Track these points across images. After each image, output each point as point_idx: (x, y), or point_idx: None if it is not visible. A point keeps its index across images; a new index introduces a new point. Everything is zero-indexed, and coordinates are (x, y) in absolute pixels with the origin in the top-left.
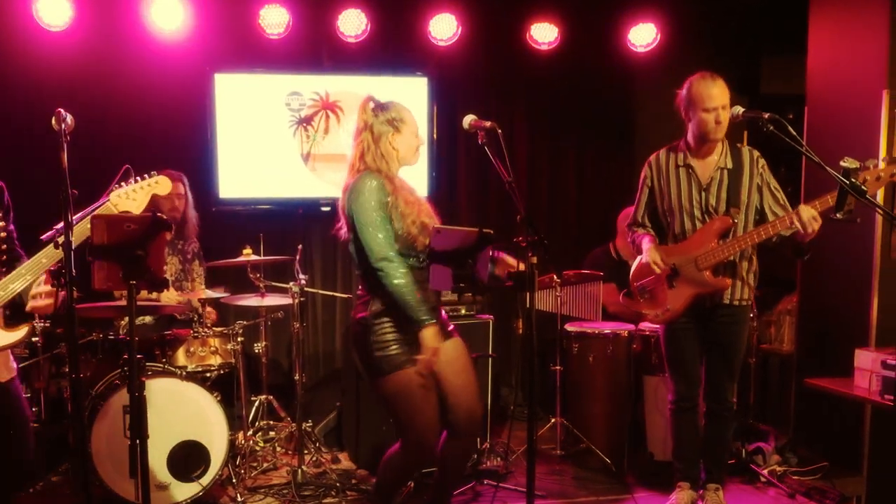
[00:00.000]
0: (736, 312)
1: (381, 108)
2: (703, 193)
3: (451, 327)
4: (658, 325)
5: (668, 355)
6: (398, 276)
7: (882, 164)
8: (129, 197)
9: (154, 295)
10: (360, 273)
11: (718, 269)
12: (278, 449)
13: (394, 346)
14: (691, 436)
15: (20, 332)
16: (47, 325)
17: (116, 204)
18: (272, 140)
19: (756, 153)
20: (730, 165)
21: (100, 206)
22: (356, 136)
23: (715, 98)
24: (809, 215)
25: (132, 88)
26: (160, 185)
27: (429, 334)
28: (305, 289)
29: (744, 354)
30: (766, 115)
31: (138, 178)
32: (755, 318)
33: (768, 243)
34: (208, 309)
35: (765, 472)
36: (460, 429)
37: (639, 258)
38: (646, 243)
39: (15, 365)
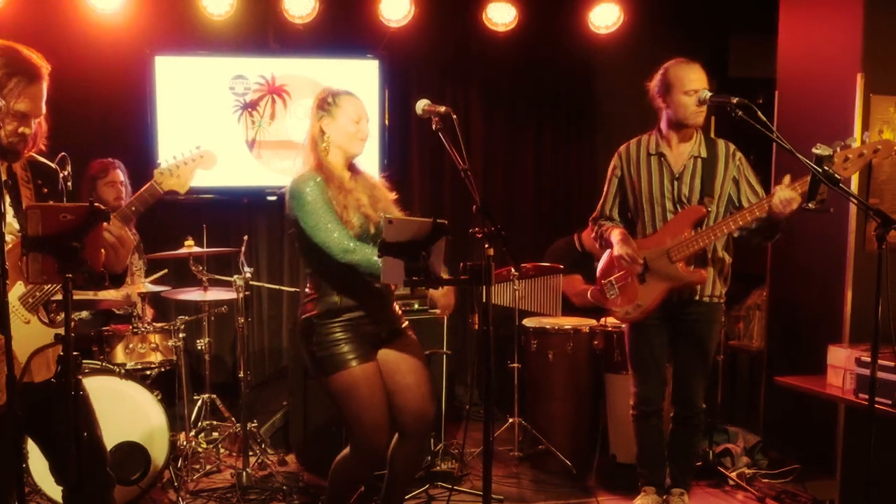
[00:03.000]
0: (708, 311)
1: (326, 97)
2: (676, 183)
3: (405, 323)
4: (625, 323)
5: (632, 354)
6: (369, 258)
7: (862, 142)
8: (174, 174)
9: None
10: (309, 272)
11: (692, 262)
12: (222, 450)
13: (339, 346)
14: (655, 441)
15: (60, 329)
16: None
17: (161, 182)
18: (215, 126)
19: (732, 147)
20: (704, 154)
21: (147, 188)
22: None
23: (695, 81)
24: (786, 196)
25: (68, 72)
26: (205, 159)
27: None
28: (250, 282)
29: (714, 355)
30: (735, 100)
31: (181, 153)
32: (724, 312)
33: (744, 231)
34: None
35: (733, 474)
36: (408, 430)
37: (607, 252)
38: (615, 236)
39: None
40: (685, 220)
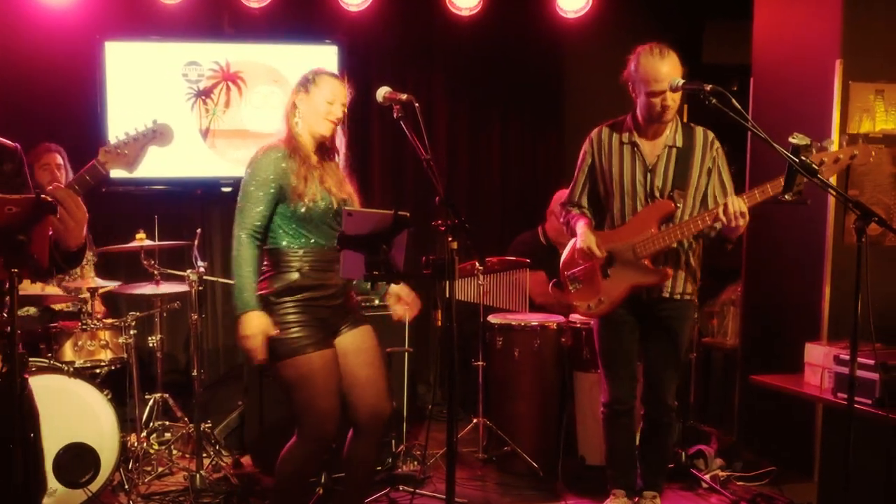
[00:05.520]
0: (678, 308)
1: (309, 74)
2: (649, 174)
3: (363, 315)
4: (590, 318)
5: (602, 352)
6: (237, 253)
7: (840, 145)
8: (121, 152)
9: (38, 284)
10: (266, 247)
11: (659, 258)
12: (174, 452)
13: (294, 329)
14: (626, 442)
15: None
16: None
17: (105, 162)
18: (168, 114)
19: (711, 135)
20: (679, 144)
21: (88, 167)
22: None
23: (663, 79)
24: (735, 209)
25: (13, 57)
26: (159, 135)
27: (245, 322)
28: (204, 277)
29: (686, 354)
30: (708, 87)
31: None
32: (696, 310)
33: (705, 236)
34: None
35: (706, 477)
36: (362, 427)
37: (571, 243)
38: (580, 227)
39: None
40: (652, 216)
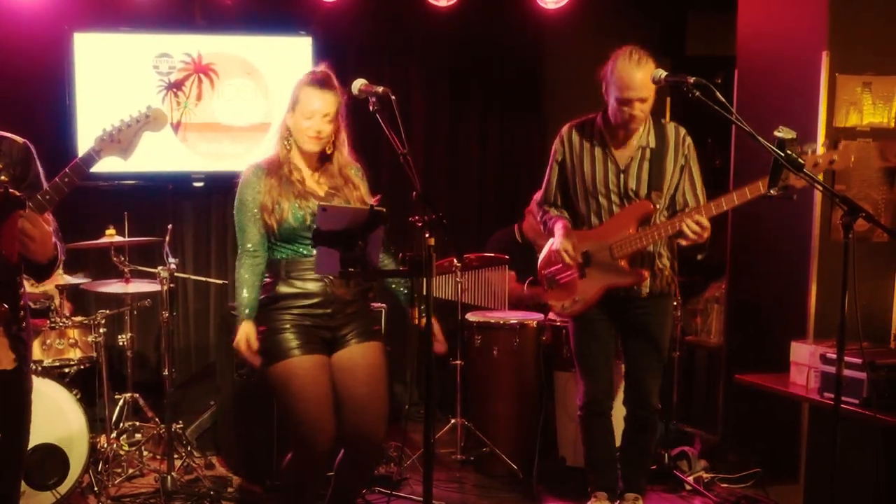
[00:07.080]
0: (656, 303)
1: (295, 90)
2: (622, 175)
3: (377, 327)
4: (563, 317)
5: (577, 353)
6: (236, 275)
7: (820, 150)
8: (115, 139)
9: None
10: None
11: (636, 259)
12: (145, 453)
13: (282, 334)
14: (604, 443)
15: None
16: None
17: (100, 150)
18: (138, 107)
19: (683, 131)
20: (653, 144)
21: (84, 156)
22: None
23: (635, 88)
24: (689, 223)
25: None
26: (153, 120)
27: (240, 330)
28: (175, 274)
29: (668, 350)
30: (692, 80)
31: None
32: (679, 307)
33: (678, 246)
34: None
35: (690, 479)
36: (349, 445)
37: (549, 244)
38: (558, 228)
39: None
40: (631, 216)
